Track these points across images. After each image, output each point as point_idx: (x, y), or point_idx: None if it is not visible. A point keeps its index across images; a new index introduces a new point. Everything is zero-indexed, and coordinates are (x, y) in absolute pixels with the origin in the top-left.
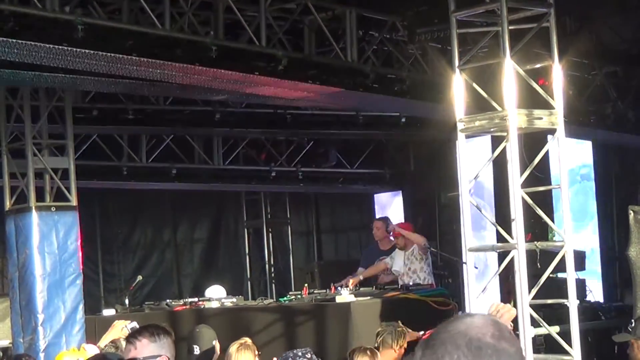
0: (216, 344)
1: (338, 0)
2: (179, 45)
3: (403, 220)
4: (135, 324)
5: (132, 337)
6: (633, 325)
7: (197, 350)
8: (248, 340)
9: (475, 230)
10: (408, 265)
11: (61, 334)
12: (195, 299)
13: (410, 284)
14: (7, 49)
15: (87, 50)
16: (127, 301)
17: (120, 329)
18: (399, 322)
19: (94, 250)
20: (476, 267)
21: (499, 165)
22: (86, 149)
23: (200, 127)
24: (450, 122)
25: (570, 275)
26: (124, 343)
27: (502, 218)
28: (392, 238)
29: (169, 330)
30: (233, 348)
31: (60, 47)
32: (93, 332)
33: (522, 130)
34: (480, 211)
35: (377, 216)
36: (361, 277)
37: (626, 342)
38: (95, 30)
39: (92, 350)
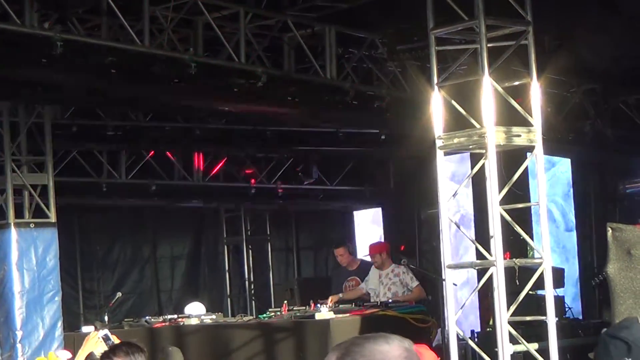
0: None
1: (317, 18)
2: (158, 62)
3: (382, 239)
4: (106, 332)
5: (106, 357)
6: None
7: None
8: None
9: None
10: (388, 285)
11: (40, 350)
12: (175, 316)
13: (390, 300)
14: None
15: (66, 67)
16: (106, 318)
17: (94, 342)
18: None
19: (73, 266)
20: (455, 284)
21: (478, 182)
22: (65, 166)
23: (180, 143)
24: (429, 139)
25: (549, 292)
26: (98, 354)
27: (482, 235)
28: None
29: (142, 347)
30: None
31: (39, 63)
32: (72, 349)
33: (500, 147)
34: (459, 228)
35: (358, 234)
36: (341, 295)
37: None
38: (74, 47)
39: (64, 355)
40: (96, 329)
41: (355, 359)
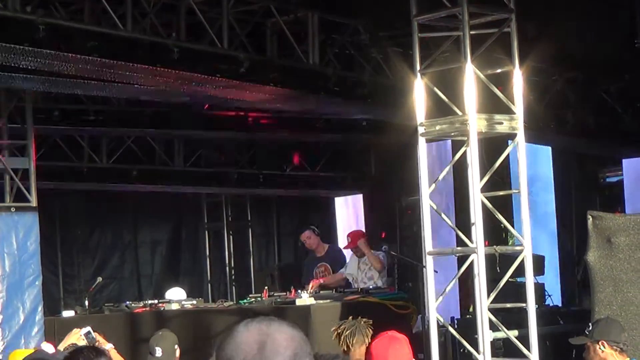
0: (177, 349)
1: (300, 3)
2: (140, 47)
3: (363, 225)
4: (88, 329)
5: None
6: (590, 328)
7: (159, 353)
8: None
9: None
10: (365, 271)
11: (20, 335)
12: (155, 301)
13: (370, 287)
14: None
15: (48, 51)
16: (86, 303)
17: (76, 338)
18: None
19: (54, 251)
20: (436, 271)
21: (459, 170)
22: (47, 150)
23: (161, 128)
24: (411, 126)
25: (529, 280)
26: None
27: (462, 222)
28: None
29: (104, 350)
30: None
31: (21, 47)
32: (52, 334)
33: (482, 134)
34: (440, 215)
35: (341, 221)
36: (321, 281)
37: (583, 346)
38: (56, 31)
39: (49, 349)
40: (76, 313)
41: (223, 349)
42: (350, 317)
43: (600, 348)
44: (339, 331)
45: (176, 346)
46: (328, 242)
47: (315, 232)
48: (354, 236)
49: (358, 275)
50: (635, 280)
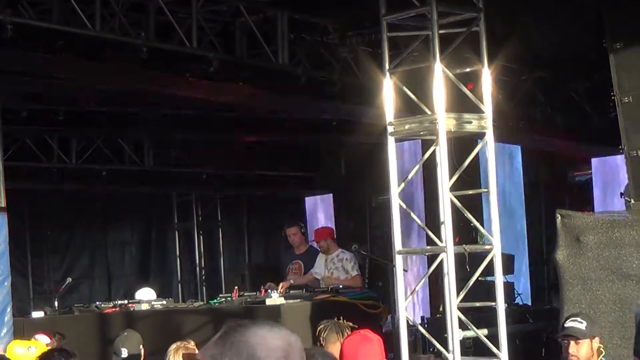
0: (142, 349)
1: (270, 3)
2: (109, 46)
3: (333, 225)
4: None
5: None
6: (585, 324)
7: (124, 354)
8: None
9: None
10: (331, 271)
11: None
12: (125, 302)
13: (340, 286)
14: None
15: (16, 50)
16: (56, 303)
17: None
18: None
19: (23, 252)
20: (405, 270)
21: (429, 169)
22: (16, 150)
23: (131, 128)
24: (380, 126)
25: (499, 279)
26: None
27: (432, 221)
28: (314, 244)
29: (74, 353)
30: (172, 347)
31: None
32: (21, 335)
33: (451, 134)
34: (411, 214)
35: (320, 221)
36: (292, 281)
37: (554, 345)
38: (25, 30)
39: (44, 339)
40: (46, 314)
41: (233, 338)
42: (335, 318)
43: (594, 344)
44: (319, 329)
45: (141, 346)
46: (309, 243)
47: (302, 230)
48: (320, 232)
49: (325, 274)
50: (604, 278)
